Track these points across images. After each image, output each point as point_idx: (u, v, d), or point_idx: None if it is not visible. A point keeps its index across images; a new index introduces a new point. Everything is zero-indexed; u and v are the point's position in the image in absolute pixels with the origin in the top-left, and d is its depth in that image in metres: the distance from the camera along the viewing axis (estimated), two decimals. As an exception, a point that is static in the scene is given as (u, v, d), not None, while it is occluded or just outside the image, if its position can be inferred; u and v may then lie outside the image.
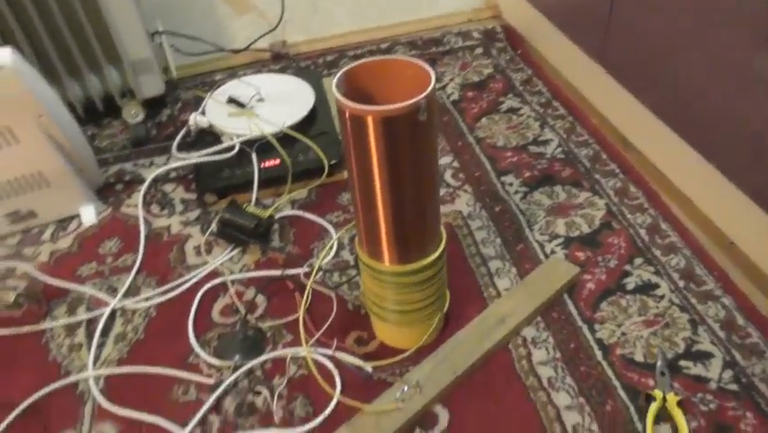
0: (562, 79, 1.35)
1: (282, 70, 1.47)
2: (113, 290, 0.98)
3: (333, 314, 0.89)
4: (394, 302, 0.79)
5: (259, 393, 0.81)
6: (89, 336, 0.92)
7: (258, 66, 1.52)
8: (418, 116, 0.61)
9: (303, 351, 0.85)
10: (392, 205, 0.69)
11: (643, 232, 0.99)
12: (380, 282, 0.77)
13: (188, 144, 1.21)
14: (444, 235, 0.79)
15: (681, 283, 0.90)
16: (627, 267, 0.94)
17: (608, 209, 1.04)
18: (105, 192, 1.18)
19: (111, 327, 0.93)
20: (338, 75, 0.65)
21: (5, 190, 1.03)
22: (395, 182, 0.67)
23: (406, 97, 0.64)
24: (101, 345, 0.90)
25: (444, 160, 1.18)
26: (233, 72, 1.48)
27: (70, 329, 0.93)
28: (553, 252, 0.97)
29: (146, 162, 1.25)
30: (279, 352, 0.86)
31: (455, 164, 1.16)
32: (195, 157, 1.13)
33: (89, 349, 0.89)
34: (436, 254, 0.76)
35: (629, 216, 1.02)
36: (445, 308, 0.85)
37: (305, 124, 1.17)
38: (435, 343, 0.85)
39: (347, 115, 0.63)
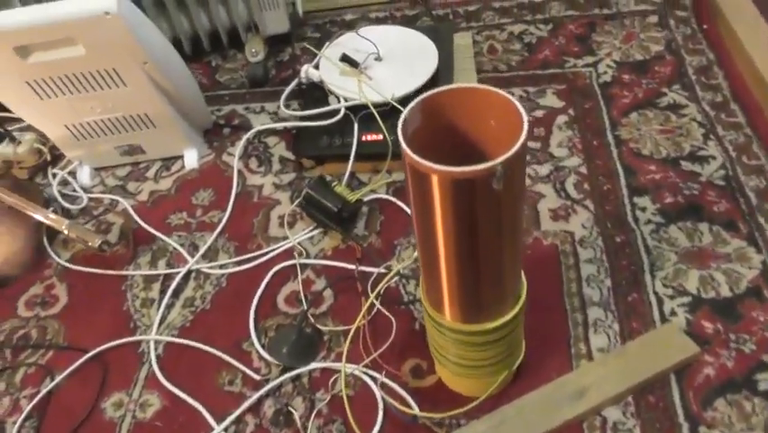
0: (753, 73, 1.07)
1: (416, 18, 1.32)
2: (194, 248, 0.98)
3: (393, 334, 0.81)
4: (455, 355, 0.69)
5: (297, 406, 0.77)
6: (163, 291, 0.93)
7: (391, 7, 1.37)
8: (492, 184, 0.48)
9: (350, 369, 0.79)
10: (456, 268, 0.57)
11: (801, 313, 0.78)
12: (440, 333, 0.67)
13: (299, 93, 1.14)
14: (523, 293, 0.66)
15: (834, 399, 0.70)
16: (767, 358, 0.74)
17: (765, 270, 0.82)
18: (213, 134, 1.16)
19: (183, 289, 0.93)
20: (411, 106, 0.53)
21: (115, 126, 1.04)
22: (460, 248, 0.55)
23: (496, 138, 0.51)
24: (170, 306, 0.91)
25: (572, 161, 1.00)
26: (364, 12, 1.36)
27: (148, 281, 0.94)
28: (673, 313, 0.80)
29: (257, 107, 1.20)
30: (329, 364, 0.80)
31: (582, 170, 0.98)
32: (295, 120, 1.06)
33: (159, 308, 0.90)
34: (507, 317, 0.64)
35: (789, 287, 0.80)
36: (516, 364, 0.74)
37: (422, 91, 1.04)
38: (501, 395, 0.75)
39: (407, 164, 0.51)
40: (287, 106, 1.17)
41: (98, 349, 0.86)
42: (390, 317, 0.82)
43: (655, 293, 0.82)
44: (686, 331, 0.78)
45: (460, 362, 0.69)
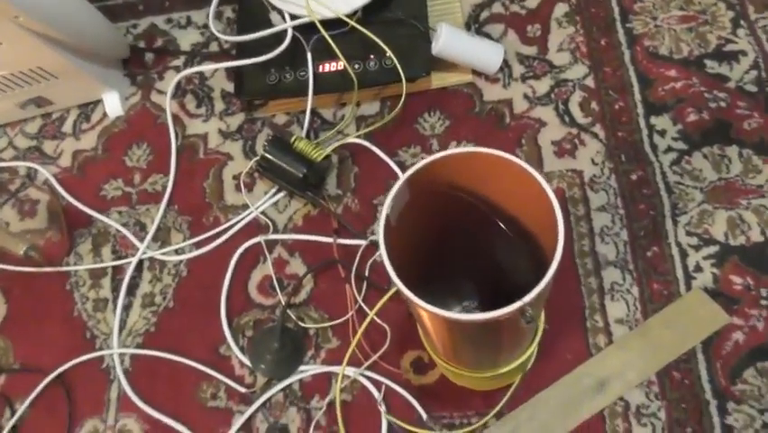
0: None
1: None
2: (141, 227, 0.83)
3: (389, 337, 0.71)
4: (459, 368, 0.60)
5: (292, 418, 0.70)
6: (115, 289, 0.80)
7: None
8: (519, 324, 0.35)
9: (346, 372, 0.71)
10: (458, 355, 0.46)
11: (842, 259, 0.69)
12: (442, 363, 0.58)
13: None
14: (542, 323, 0.56)
15: None
16: (801, 315, 0.67)
17: (801, 202, 0.72)
18: (134, 64, 0.94)
19: (138, 283, 0.80)
20: (394, 190, 0.37)
21: (5, 84, 0.82)
22: (463, 352, 0.43)
23: (513, 198, 0.37)
24: (127, 307, 0.79)
25: (575, 71, 0.82)
26: None
27: (95, 276, 0.82)
28: (698, 269, 0.71)
29: (182, 19, 0.96)
30: (318, 368, 0.72)
31: (589, 82, 0.81)
32: (231, 50, 0.85)
33: (114, 311, 0.79)
34: (523, 358, 0.54)
35: (830, 227, 0.70)
36: (529, 367, 0.66)
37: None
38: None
39: (403, 297, 0.37)
40: (218, 16, 0.94)
41: (58, 371, 0.76)
42: (384, 325, 0.71)
43: (678, 244, 0.72)
44: (713, 290, 0.69)
45: (465, 375, 0.61)
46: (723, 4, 0.83)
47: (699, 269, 0.71)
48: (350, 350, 0.68)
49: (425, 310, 0.34)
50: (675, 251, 0.72)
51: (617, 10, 0.85)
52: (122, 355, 0.77)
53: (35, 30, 0.73)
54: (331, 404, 0.70)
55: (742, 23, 0.81)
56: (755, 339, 0.67)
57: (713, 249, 0.71)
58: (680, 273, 0.71)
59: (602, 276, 0.72)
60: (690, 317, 0.67)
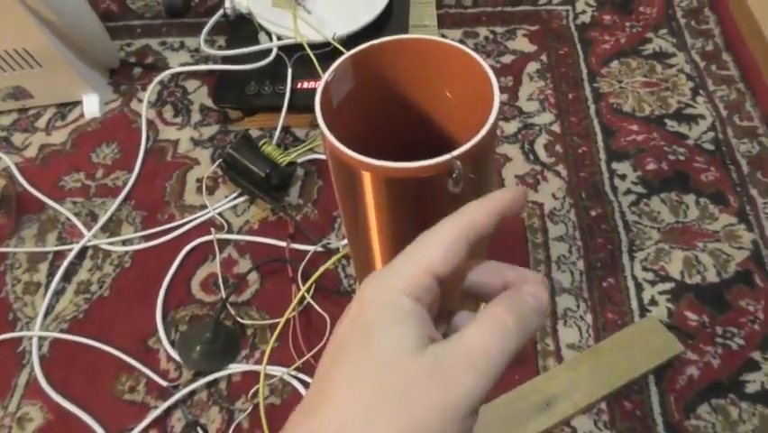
0: (747, 17, 0.94)
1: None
2: (93, 218, 0.81)
3: (329, 331, 0.68)
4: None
5: (213, 418, 0.64)
6: (51, 274, 0.76)
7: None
8: (448, 186, 0.34)
9: (276, 373, 0.66)
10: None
11: (798, 304, 0.68)
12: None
13: (228, 27, 0.96)
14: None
15: (833, 408, 0.61)
16: (756, 355, 0.65)
17: (756, 251, 0.72)
18: (121, 75, 0.97)
19: (77, 270, 0.77)
20: (335, 65, 0.37)
21: (-13, 65, 0.84)
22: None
23: (458, 106, 0.37)
24: (59, 292, 0.75)
25: (543, 117, 0.86)
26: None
27: (33, 261, 0.78)
28: (653, 302, 0.69)
29: (175, 42, 1.01)
30: (251, 366, 0.67)
31: (555, 128, 0.84)
32: (217, 60, 0.88)
33: (45, 295, 0.74)
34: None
35: (785, 273, 0.70)
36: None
37: (372, 30, 0.87)
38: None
39: (327, 150, 0.36)
40: (210, 43, 0.98)
41: (-33, 348, 0.71)
42: (324, 314, 0.68)
43: (634, 278, 0.71)
44: (667, 324, 0.67)
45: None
46: (683, 75, 0.88)
47: (654, 302, 0.69)
48: (271, 342, 0.64)
49: (350, 160, 0.33)
50: (631, 284, 0.70)
51: (584, 72, 0.90)
52: (41, 340, 0.71)
53: (31, 6, 0.75)
54: (257, 407, 0.64)
55: (701, 92, 0.86)
56: (710, 375, 0.64)
57: (669, 285, 0.70)
58: (635, 305, 0.69)
59: (556, 301, 0.70)
60: (644, 343, 0.64)
